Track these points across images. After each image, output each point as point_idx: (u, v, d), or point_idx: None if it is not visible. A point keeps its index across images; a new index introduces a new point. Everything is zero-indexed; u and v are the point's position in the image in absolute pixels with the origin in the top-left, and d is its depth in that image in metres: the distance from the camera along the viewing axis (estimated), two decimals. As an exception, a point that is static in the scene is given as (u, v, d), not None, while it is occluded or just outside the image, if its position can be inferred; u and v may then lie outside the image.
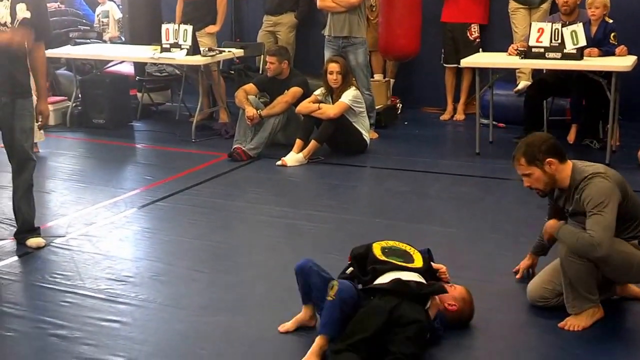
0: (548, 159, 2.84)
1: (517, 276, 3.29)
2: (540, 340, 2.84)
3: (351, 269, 2.96)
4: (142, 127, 6.48)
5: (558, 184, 2.89)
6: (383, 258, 2.90)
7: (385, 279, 2.81)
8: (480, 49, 6.39)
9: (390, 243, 3.02)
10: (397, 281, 2.75)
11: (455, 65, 6.55)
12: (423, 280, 2.84)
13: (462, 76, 6.75)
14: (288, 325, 2.92)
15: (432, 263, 3.04)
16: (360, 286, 2.85)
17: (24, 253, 3.84)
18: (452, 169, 5.26)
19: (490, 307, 3.08)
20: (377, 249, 2.95)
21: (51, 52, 6.05)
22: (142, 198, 4.78)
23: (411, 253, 2.98)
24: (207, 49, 6.23)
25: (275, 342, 2.85)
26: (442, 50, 6.77)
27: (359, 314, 2.66)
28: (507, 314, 3.06)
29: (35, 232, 3.96)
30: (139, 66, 7.19)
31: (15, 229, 3.97)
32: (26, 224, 3.93)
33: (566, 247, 2.82)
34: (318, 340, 2.66)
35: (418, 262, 2.93)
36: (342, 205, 4.53)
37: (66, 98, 7.07)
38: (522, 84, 6.30)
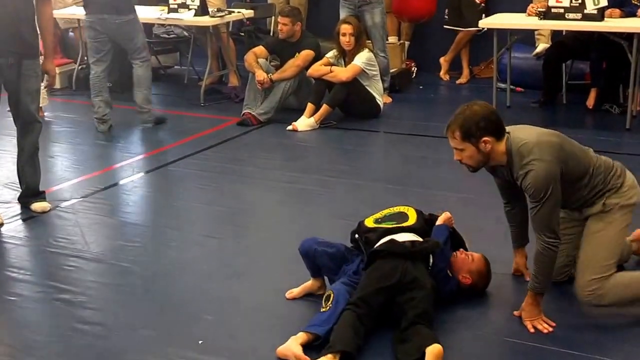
0: (484, 138, 2.56)
1: (527, 277, 2.97)
2: (553, 306, 2.77)
3: (357, 235, 2.90)
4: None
5: (492, 162, 2.64)
6: (373, 226, 2.85)
7: (380, 243, 2.76)
8: (484, 15, 6.23)
9: (385, 212, 2.95)
10: (390, 242, 2.71)
11: (456, 27, 6.42)
12: (418, 238, 2.78)
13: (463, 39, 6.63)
14: (295, 292, 2.87)
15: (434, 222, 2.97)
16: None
17: (29, 217, 3.80)
18: (468, 134, 5.14)
19: (504, 272, 3.02)
20: (369, 221, 2.90)
21: (57, 14, 5.96)
22: (149, 162, 4.73)
23: (405, 212, 2.93)
24: (215, 9, 6.10)
25: (283, 308, 2.81)
26: (446, 11, 6.61)
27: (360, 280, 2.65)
28: (520, 279, 2.99)
29: (40, 196, 3.92)
30: (146, 28, 7.02)
31: (19, 193, 3.93)
32: (31, 188, 3.90)
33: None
34: (303, 335, 2.53)
35: (412, 218, 2.88)
36: (354, 171, 4.45)
37: (72, 60, 7.00)
38: (541, 46, 6.15)
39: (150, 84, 5.56)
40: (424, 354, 2.37)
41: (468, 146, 2.61)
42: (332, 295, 2.63)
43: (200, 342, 2.59)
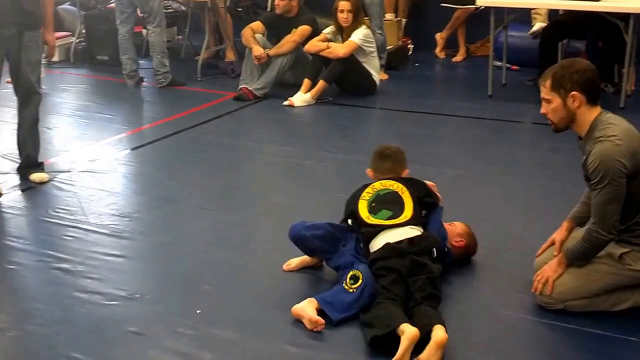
0: (573, 92, 2.40)
1: (556, 253, 2.71)
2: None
3: (351, 221, 2.84)
4: (147, 65, 6.32)
5: (575, 126, 2.47)
6: (371, 221, 2.76)
7: (378, 243, 2.70)
8: None
9: (378, 187, 2.86)
10: (388, 247, 2.64)
11: (454, 5, 6.40)
12: (417, 232, 2.72)
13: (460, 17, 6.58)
14: (292, 265, 2.86)
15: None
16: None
17: (28, 187, 3.79)
18: (464, 111, 5.15)
19: (499, 247, 3.04)
20: (363, 210, 2.80)
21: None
22: (147, 135, 4.70)
23: (399, 193, 2.83)
24: (213, -16, 6.04)
25: (281, 280, 2.81)
26: None
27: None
28: (514, 254, 3.00)
29: (39, 167, 3.90)
30: (144, 2, 6.99)
31: (18, 164, 3.90)
32: (30, 159, 3.88)
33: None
34: (317, 305, 2.52)
35: (408, 208, 2.78)
36: (350, 146, 4.44)
37: (70, 33, 6.92)
38: (538, 25, 6.12)
39: (163, 49, 5.82)
40: (428, 333, 2.29)
41: (555, 97, 2.44)
42: (360, 278, 2.53)
43: (198, 311, 2.60)
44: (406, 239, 2.66)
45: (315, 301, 2.52)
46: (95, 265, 2.94)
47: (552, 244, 2.73)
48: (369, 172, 3.03)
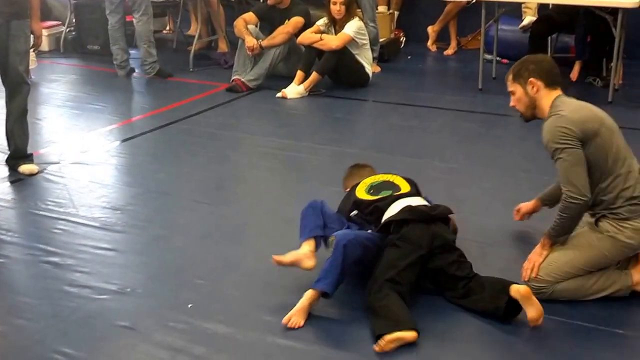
0: (532, 79, 2.58)
1: (516, 218, 3.08)
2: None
3: (355, 211, 2.79)
4: (138, 55, 6.23)
5: (538, 112, 2.62)
6: (376, 197, 2.74)
7: (393, 210, 2.66)
8: None
9: (368, 181, 2.84)
10: (409, 209, 2.61)
11: None
12: (426, 202, 2.73)
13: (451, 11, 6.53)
14: (285, 260, 2.63)
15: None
16: (370, 230, 2.70)
17: (16, 179, 3.71)
18: (455, 104, 5.11)
19: (488, 240, 3.00)
20: (362, 194, 2.77)
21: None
22: (138, 126, 4.63)
23: (392, 180, 2.84)
24: (205, -25, 5.95)
25: (273, 273, 2.75)
26: None
27: (387, 254, 2.52)
28: (504, 247, 2.97)
29: (28, 158, 3.82)
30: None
31: (6, 155, 3.82)
32: (19, 150, 3.79)
33: None
34: (309, 295, 2.47)
35: (405, 187, 2.80)
36: (342, 139, 4.39)
37: (60, 23, 6.81)
38: (528, 19, 6.09)
39: (149, 38, 5.68)
40: (508, 293, 2.37)
41: (517, 87, 2.65)
42: (333, 239, 2.52)
43: (189, 305, 2.55)
44: (423, 205, 2.67)
45: (306, 299, 2.46)
46: (85, 259, 2.88)
47: (518, 211, 3.01)
48: (345, 190, 2.99)
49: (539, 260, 2.58)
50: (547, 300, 2.50)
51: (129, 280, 2.72)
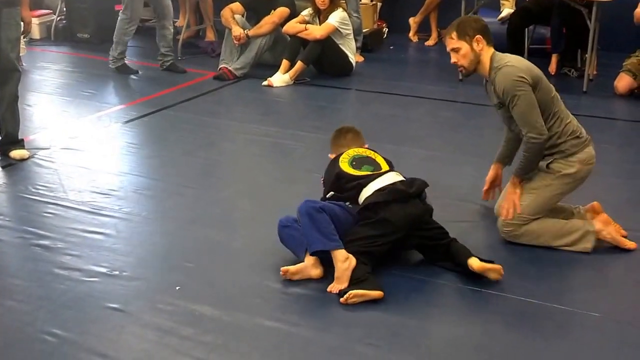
0: (477, 36, 2.75)
1: (487, 197, 3.15)
2: (516, 257, 2.77)
3: (332, 193, 2.80)
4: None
5: (480, 67, 2.79)
6: (358, 173, 2.75)
7: (371, 188, 2.67)
8: None
9: (352, 153, 2.86)
10: (389, 190, 2.63)
11: None
12: (402, 177, 2.76)
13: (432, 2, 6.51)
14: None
15: None
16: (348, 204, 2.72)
17: (7, 164, 3.65)
18: (436, 94, 5.09)
19: (469, 225, 3.01)
20: (346, 167, 2.78)
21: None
22: (127, 113, 4.57)
23: (374, 158, 2.86)
24: (193, -36, 5.86)
25: (260, 256, 2.74)
26: None
27: (363, 230, 2.58)
28: (484, 232, 2.98)
29: (19, 144, 3.76)
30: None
31: (-2, 141, 3.76)
32: (10, 136, 3.73)
33: None
34: (307, 261, 2.53)
35: (384, 165, 2.83)
36: (327, 126, 4.32)
37: (51, 11, 6.70)
38: (506, 11, 6.06)
39: (118, 37, 5.40)
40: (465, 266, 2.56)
41: (463, 44, 2.77)
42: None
43: (177, 287, 2.52)
44: (398, 181, 2.70)
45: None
46: (74, 242, 2.84)
47: (489, 187, 3.14)
48: (331, 156, 2.98)
49: (516, 198, 2.80)
50: (518, 244, 2.76)
51: (117, 263, 2.69)
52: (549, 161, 2.80)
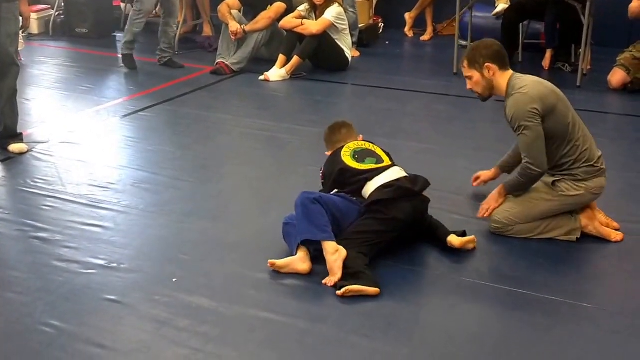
0: (487, 64, 2.74)
1: (474, 183, 3.20)
2: (508, 248, 2.78)
3: (336, 190, 2.79)
4: (136, 36, 6.10)
5: (496, 91, 2.80)
6: (363, 167, 2.75)
7: (377, 182, 2.68)
8: None
9: (352, 146, 2.85)
10: (396, 187, 2.65)
11: None
12: (405, 173, 2.77)
13: None
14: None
15: None
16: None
17: (6, 158, 3.64)
18: (430, 88, 5.09)
19: (463, 217, 3.01)
20: (349, 161, 2.78)
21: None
22: (124, 107, 4.55)
23: (374, 150, 2.86)
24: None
25: (254, 249, 2.74)
26: None
27: (368, 224, 2.58)
28: (476, 224, 2.97)
29: (18, 137, 3.75)
30: (123, -23, 6.75)
31: (-4, 135, 3.75)
32: (9, 130, 3.72)
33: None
34: (298, 255, 2.53)
35: (385, 158, 2.83)
36: (323, 120, 4.31)
37: (50, 7, 6.67)
38: (501, 6, 6.04)
39: (127, 27, 5.40)
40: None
41: (474, 72, 2.78)
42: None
43: (174, 279, 2.52)
44: (402, 177, 2.72)
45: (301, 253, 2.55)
46: (73, 235, 2.84)
47: (479, 179, 3.19)
48: (328, 153, 2.97)
49: (495, 206, 2.85)
50: (504, 236, 2.81)
51: (115, 255, 2.69)
52: (557, 179, 2.78)
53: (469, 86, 2.83)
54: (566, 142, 2.72)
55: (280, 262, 2.55)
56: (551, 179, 2.79)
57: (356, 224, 2.60)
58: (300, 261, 2.54)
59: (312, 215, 2.52)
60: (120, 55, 5.50)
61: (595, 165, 2.77)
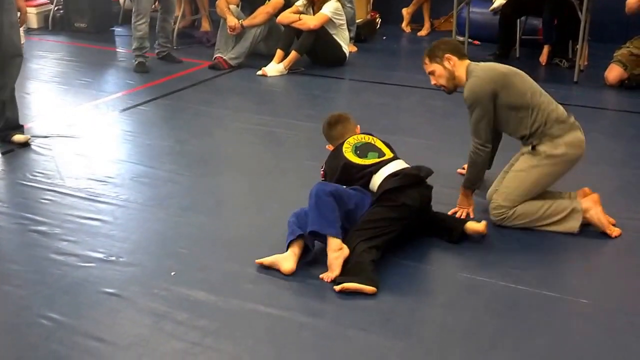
0: (446, 55, 2.84)
1: (461, 173, 3.24)
2: (505, 243, 2.77)
3: (344, 187, 2.75)
4: (124, 33, 6.11)
5: (458, 81, 2.88)
6: (366, 162, 2.75)
7: (381, 176, 2.69)
8: None
9: (352, 141, 2.85)
10: (402, 175, 2.66)
11: None
12: (406, 165, 2.79)
13: None
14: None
15: None
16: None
17: (5, 151, 3.61)
18: (427, 83, 4.90)
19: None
20: (352, 157, 2.77)
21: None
22: (123, 102, 4.53)
23: (375, 143, 2.86)
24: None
25: (253, 243, 2.73)
26: None
27: (378, 213, 2.58)
28: (476, 218, 2.94)
29: (20, 129, 3.74)
30: (121, -29, 6.71)
31: (-4, 128, 3.72)
32: (11, 121, 3.70)
33: None
34: (297, 245, 2.52)
35: (388, 152, 2.84)
36: (320, 115, 4.28)
37: (49, 1, 6.64)
38: (498, 2, 6.02)
39: (132, 33, 5.26)
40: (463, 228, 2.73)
41: (435, 66, 2.88)
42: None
43: (172, 273, 2.51)
44: (407, 168, 2.74)
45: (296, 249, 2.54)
46: (71, 228, 2.82)
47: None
48: (329, 147, 2.96)
49: (468, 207, 2.93)
50: (508, 227, 2.80)
51: (114, 249, 2.67)
52: (535, 143, 2.83)
53: (433, 81, 2.93)
54: (530, 109, 2.80)
55: (266, 260, 2.52)
56: (529, 147, 2.84)
57: (367, 213, 2.60)
58: (284, 260, 2.49)
59: (323, 207, 2.50)
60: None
61: (566, 121, 2.83)
